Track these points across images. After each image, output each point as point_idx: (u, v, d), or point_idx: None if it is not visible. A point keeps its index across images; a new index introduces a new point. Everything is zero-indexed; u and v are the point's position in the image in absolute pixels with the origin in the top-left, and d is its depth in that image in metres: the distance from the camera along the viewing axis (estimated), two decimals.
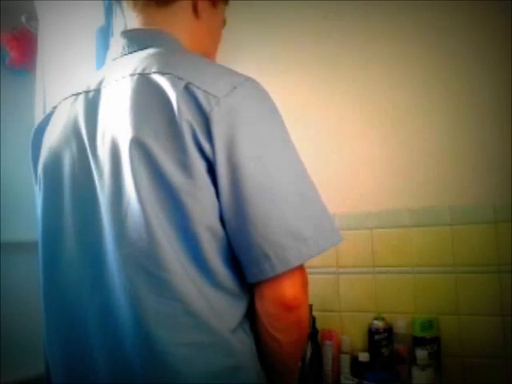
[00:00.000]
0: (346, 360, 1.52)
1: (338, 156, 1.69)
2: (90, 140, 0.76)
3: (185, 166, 0.68)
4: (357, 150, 1.66)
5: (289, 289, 0.70)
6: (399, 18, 1.63)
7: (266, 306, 0.72)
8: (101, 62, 1.56)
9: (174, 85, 0.70)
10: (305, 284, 0.73)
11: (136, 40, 0.84)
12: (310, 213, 0.72)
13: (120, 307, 0.70)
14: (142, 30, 0.85)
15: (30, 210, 1.47)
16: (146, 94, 0.72)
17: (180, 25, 0.85)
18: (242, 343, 0.72)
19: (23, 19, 1.66)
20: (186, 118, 0.68)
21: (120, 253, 0.70)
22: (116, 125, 0.74)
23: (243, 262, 0.71)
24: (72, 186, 0.78)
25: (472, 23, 1.52)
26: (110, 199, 0.72)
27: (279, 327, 0.73)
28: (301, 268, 0.72)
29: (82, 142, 0.78)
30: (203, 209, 0.69)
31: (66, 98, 0.85)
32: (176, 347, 0.67)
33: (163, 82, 0.71)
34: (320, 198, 0.74)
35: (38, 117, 1.45)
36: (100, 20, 1.60)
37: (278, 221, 0.69)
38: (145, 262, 0.69)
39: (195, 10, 0.86)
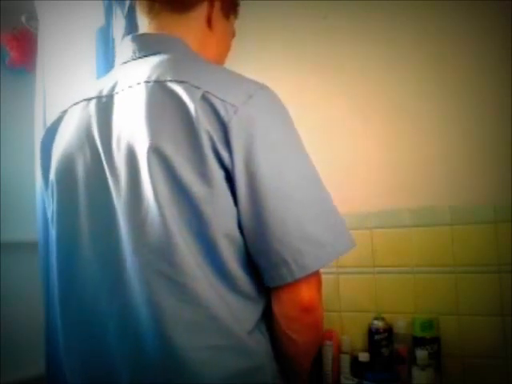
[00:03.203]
0: (345, 360, 1.52)
1: (337, 156, 1.68)
2: (105, 146, 0.77)
3: (203, 175, 0.69)
4: (357, 149, 1.66)
5: (306, 292, 0.72)
6: (399, 18, 1.62)
7: (284, 308, 0.74)
8: (101, 62, 1.56)
9: (191, 94, 0.70)
10: (320, 286, 0.75)
11: (147, 45, 0.84)
12: (326, 219, 0.74)
13: (139, 312, 0.71)
14: (153, 34, 0.86)
15: (30, 210, 1.47)
16: (163, 102, 0.73)
17: (193, 33, 0.86)
18: (259, 344, 0.74)
19: (23, 19, 1.65)
20: (205, 127, 0.69)
21: (139, 259, 0.71)
22: (132, 132, 0.74)
23: (261, 267, 0.73)
24: (87, 192, 0.78)
25: (472, 23, 1.52)
26: (127, 206, 0.73)
27: (297, 328, 0.75)
28: (319, 273, 0.74)
29: (95, 147, 0.78)
30: (222, 216, 0.70)
31: (77, 102, 0.84)
32: (196, 351, 0.69)
33: (180, 90, 0.71)
34: (333, 203, 0.76)
35: (38, 117, 1.45)
36: (100, 20, 1.60)
37: (296, 227, 0.70)
38: (165, 267, 0.69)
39: (209, 21, 0.87)
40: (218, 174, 0.69)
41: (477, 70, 1.50)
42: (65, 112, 0.86)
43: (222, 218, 0.70)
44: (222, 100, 0.70)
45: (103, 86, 0.83)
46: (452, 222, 1.49)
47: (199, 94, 0.70)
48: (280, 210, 0.70)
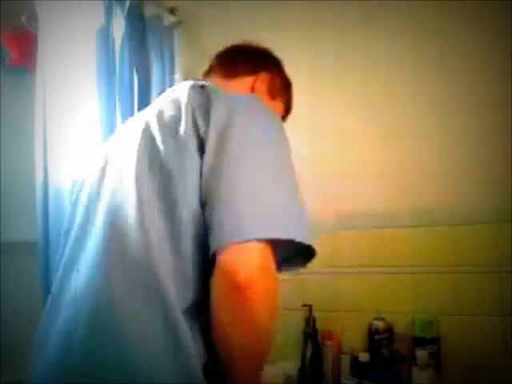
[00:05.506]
0: (346, 360, 1.52)
1: (338, 156, 1.68)
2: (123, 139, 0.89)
3: (178, 143, 0.75)
4: (357, 149, 1.66)
5: (242, 264, 0.67)
6: (399, 18, 1.62)
7: (217, 278, 0.69)
8: (101, 62, 1.56)
9: (192, 86, 0.82)
10: (265, 269, 0.69)
11: None
12: (283, 206, 0.73)
13: (94, 275, 0.74)
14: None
15: (30, 210, 1.47)
16: (170, 95, 0.85)
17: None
18: (188, 324, 0.70)
19: (23, 19, 1.65)
20: (191, 103, 0.78)
21: (105, 220, 0.77)
22: (141, 122, 0.85)
23: (209, 237, 0.71)
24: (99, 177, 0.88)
25: (472, 23, 1.51)
26: (113, 180, 0.81)
27: (226, 307, 0.69)
28: (263, 250, 0.69)
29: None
30: (188, 189, 0.73)
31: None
32: (130, 302, 0.69)
33: (185, 84, 0.84)
34: (299, 199, 0.76)
35: (38, 117, 1.44)
36: (100, 20, 1.60)
37: (248, 205, 0.70)
38: (124, 226, 0.74)
39: (252, 89, 1.02)
40: (192, 143, 0.75)
41: (477, 70, 1.50)
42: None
43: (188, 191, 0.73)
44: (216, 92, 0.80)
45: None
46: (452, 222, 1.49)
47: (199, 84, 0.82)
48: (236, 189, 0.71)
